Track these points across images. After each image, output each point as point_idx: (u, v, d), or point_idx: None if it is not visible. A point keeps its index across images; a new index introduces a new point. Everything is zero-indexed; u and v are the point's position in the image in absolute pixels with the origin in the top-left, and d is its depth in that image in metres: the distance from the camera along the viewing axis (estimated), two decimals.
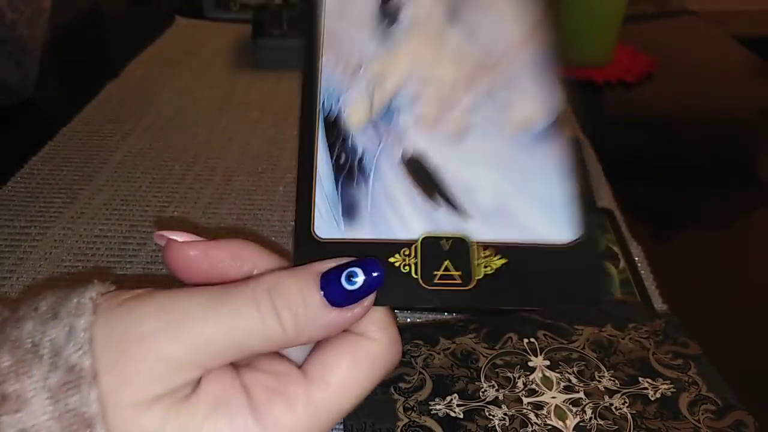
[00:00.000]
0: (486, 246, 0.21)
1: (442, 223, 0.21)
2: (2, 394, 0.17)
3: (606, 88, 0.66)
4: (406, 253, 0.21)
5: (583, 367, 0.32)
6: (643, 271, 0.40)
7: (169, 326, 0.18)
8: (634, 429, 0.29)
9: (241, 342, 0.19)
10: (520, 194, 0.21)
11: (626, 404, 0.30)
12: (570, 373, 0.31)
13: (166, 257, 0.21)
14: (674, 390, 0.30)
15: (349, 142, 0.22)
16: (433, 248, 0.21)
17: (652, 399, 0.30)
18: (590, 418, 0.29)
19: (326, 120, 0.23)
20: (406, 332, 0.33)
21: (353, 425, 0.28)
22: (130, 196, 0.46)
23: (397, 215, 0.21)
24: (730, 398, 0.30)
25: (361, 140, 0.22)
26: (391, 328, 0.20)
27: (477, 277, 0.20)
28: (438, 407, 0.29)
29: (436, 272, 0.21)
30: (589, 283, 0.21)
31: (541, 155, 0.22)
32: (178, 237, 0.21)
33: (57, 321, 0.18)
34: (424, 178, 0.22)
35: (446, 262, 0.21)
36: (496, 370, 0.31)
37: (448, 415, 0.29)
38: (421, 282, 0.20)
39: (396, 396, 0.30)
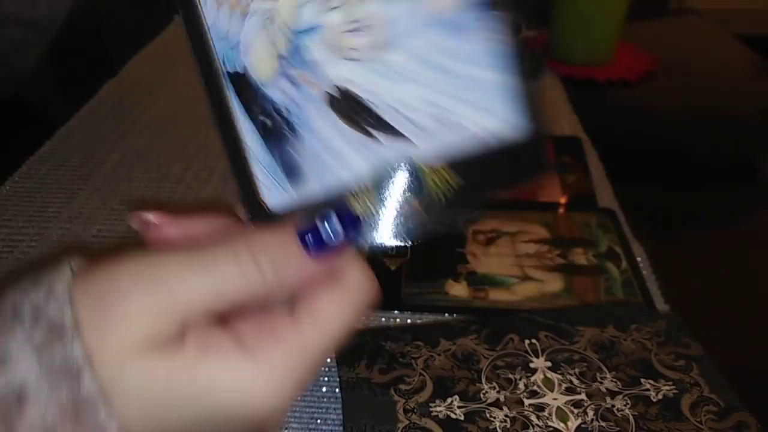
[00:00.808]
0: (434, 162, 0.20)
1: (385, 153, 0.20)
2: None
3: (608, 86, 0.66)
4: (360, 194, 0.20)
5: (584, 369, 0.31)
6: (644, 272, 0.39)
7: (146, 279, 0.18)
8: (636, 430, 0.28)
9: (221, 291, 0.19)
10: (456, 96, 0.20)
11: (628, 405, 0.29)
12: (572, 375, 0.31)
13: (147, 239, 0.21)
14: (676, 391, 0.30)
15: (267, 101, 0.21)
16: (384, 182, 0.20)
17: (654, 400, 0.30)
18: (592, 420, 0.29)
19: (233, 81, 0.21)
20: (406, 333, 0.33)
21: (353, 427, 0.28)
22: (129, 196, 0.46)
23: (339, 161, 0.20)
24: (733, 399, 0.30)
25: (278, 94, 0.20)
26: (359, 262, 0.20)
27: (434, 193, 0.20)
28: (438, 409, 0.29)
29: (394, 204, 0.20)
30: (534, 157, 0.21)
31: (470, 45, 0.20)
32: (154, 218, 0.21)
33: (36, 286, 0.18)
34: (355, 113, 0.20)
35: (401, 191, 0.20)
36: (497, 371, 0.31)
37: (448, 416, 0.29)
38: (382, 217, 0.20)
39: (396, 397, 0.30)
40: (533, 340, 0.33)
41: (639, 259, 0.40)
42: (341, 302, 0.20)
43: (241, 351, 0.19)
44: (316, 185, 0.21)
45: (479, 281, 0.38)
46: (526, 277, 0.39)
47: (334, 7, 0.20)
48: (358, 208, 0.20)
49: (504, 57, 0.20)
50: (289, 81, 0.20)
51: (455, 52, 0.20)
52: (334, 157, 0.21)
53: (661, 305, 0.37)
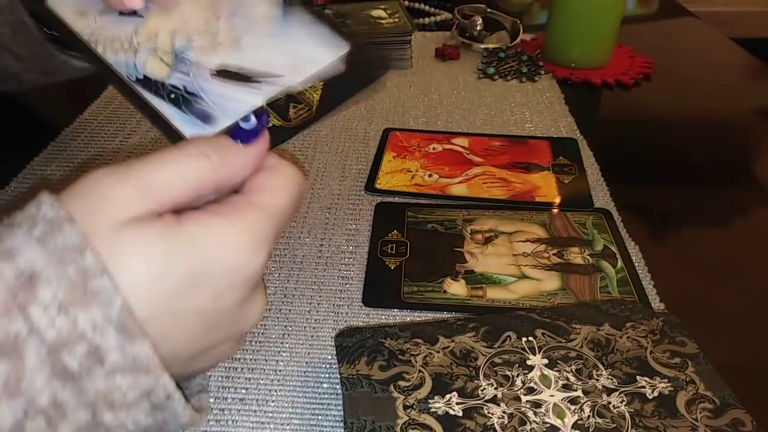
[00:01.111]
0: (305, 84, 0.30)
1: (271, 90, 0.30)
2: None
3: (604, 89, 0.66)
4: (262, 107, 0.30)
5: (581, 366, 0.32)
6: (640, 271, 0.40)
7: (119, 175, 0.22)
8: (632, 427, 0.29)
9: (182, 177, 0.22)
10: (297, 47, 0.32)
11: (624, 402, 0.30)
12: (568, 372, 0.31)
13: None
14: (672, 388, 0.31)
15: (169, 86, 0.31)
16: (277, 105, 0.30)
17: (650, 397, 0.30)
18: (588, 417, 0.29)
19: (140, 83, 0.31)
20: (405, 331, 0.34)
21: (353, 423, 0.29)
22: None
23: (239, 102, 0.30)
24: (728, 397, 0.30)
25: (176, 80, 0.31)
26: (283, 159, 0.26)
27: (315, 102, 0.31)
28: (437, 405, 0.30)
29: (290, 115, 0.30)
30: (369, 60, 0.32)
31: (292, 19, 0.33)
32: None
33: (25, 209, 0.21)
34: (237, 76, 0.31)
35: (291, 106, 0.31)
36: (495, 368, 0.32)
37: (447, 413, 0.29)
38: (284, 124, 0.30)
39: (396, 394, 0.30)
40: (530, 338, 0.33)
41: (634, 258, 0.41)
42: (282, 179, 0.24)
43: (215, 215, 0.22)
44: (226, 120, 0.29)
45: (477, 280, 0.39)
46: (523, 276, 0.39)
47: (198, 37, 0.32)
48: (261, 109, 0.29)
49: (303, 20, 0.33)
50: (181, 73, 0.31)
51: (286, 25, 0.33)
52: (234, 101, 0.30)
53: (656, 304, 0.38)
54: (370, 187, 0.48)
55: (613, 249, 0.42)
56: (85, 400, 0.20)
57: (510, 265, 0.40)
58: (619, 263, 0.40)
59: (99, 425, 0.20)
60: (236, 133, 0.24)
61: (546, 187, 0.49)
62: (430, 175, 0.50)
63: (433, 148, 0.54)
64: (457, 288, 0.38)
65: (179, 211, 0.22)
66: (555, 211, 0.46)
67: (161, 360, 0.21)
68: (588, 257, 0.41)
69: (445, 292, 0.38)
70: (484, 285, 0.39)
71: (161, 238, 0.21)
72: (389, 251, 0.41)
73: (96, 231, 0.20)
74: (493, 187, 0.49)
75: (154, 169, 0.22)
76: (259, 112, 0.25)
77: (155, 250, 0.21)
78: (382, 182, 0.49)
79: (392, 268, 0.40)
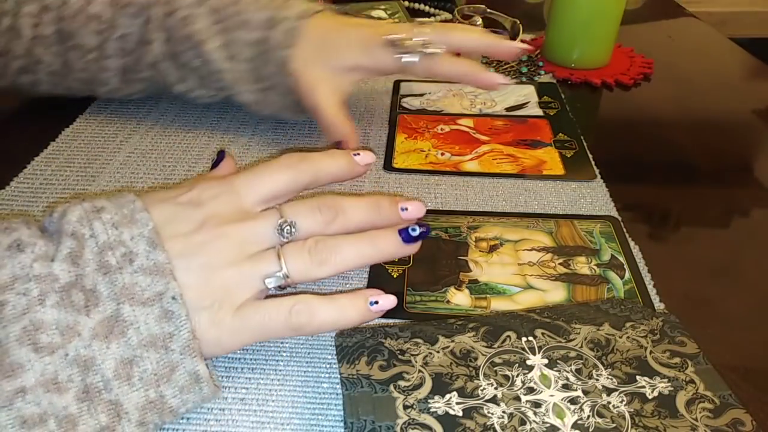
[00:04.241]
0: None
1: None
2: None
3: (603, 89, 0.66)
4: None
5: (581, 366, 0.32)
6: (644, 277, 0.40)
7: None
8: (631, 427, 0.29)
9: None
10: None
11: (624, 402, 0.30)
12: (568, 372, 0.31)
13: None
14: (672, 388, 0.31)
15: None
16: None
17: (650, 397, 0.30)
18: (588, 416, 0.29)
19: None
20: (405, 331, 0.34)
21: (353, 423, 0.29)
22: None
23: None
24: (728, 397, 0.30)
25: None
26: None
27: None
28: (437, 405, 0.30)
29: None
30: None
31: None
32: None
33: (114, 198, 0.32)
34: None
35: None
36: (495, 368, 0.32)
37: (447, 412, 0.29)
38: None
39: (396, 394, 0.30)
40: (530, 338, 0.33)
41: (640, 264, 0.40)
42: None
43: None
44: None
45: (481, 290, 0.38)
46: (528, 287, 0.39)
47: None
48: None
49: None
50: None
51: None
52: None
53: (656, 304, 0.38)
54: (388, 166, 0.50)
55: (621, 259, 0.41)
56: (114, 290, 0.27)
57: (515, 275, 0.39)
58: (627, 274, 0.40)
59: (119, 318, 0.27)
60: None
61: (551, 161, 0.51)
62: (442, 154, 0.52)
63: (441, 129, 0.56)
64: (460, 298, 0.38)
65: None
66: (562, 220, 0.46)
67: (173, 270, 0.28)
68: (595, 267, 0.40)
69: (448, 302, 0.38)
70: (488, 295, 0.38)
71: None
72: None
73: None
74: (503, 162, 0.51)
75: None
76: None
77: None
78: (399, 161, 0.51)
79: (395, 276, 0.39)
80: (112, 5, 0.49)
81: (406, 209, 0.35)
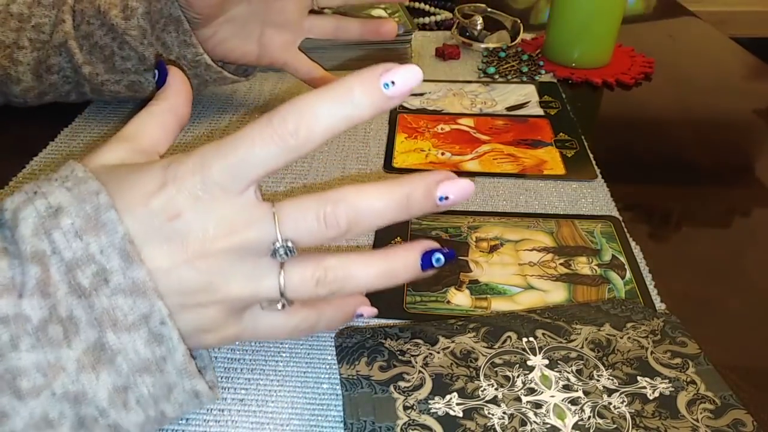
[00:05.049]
0: None
1: None
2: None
3: (604, 88, 0.66)
4: None
5: (581, 366, 0.32)
6: (645, 277, 0.39)
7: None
8: (632, 428, 0.29)
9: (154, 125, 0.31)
10: None
11: (625, 403, 0.30)
12: (569, 372, 0.31)
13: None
14: (673, 389, 0.31)
15: None
16: None
17: (651, 398, 0.30)
18: (589, 417, 0.29)
19: None
20: (405, 332, 0.34)
21: (353, 424, 0.29)
22: None
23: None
24: (729, 397, 0.30)
25: None
26: None
27: None
28: (437, 406, 0.30)
29: None
30: None
31: None
32: None
33: (60, 170, 0.27)
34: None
35: None
36: (495, 369, 0.32)
37: (447, 413, 0.29)
38: None
39: (396, 395, 0.30)
40: (531, 339, 0.33)
41: (641, 265, 0.40)
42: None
43: None
44: None
45: (482, 290, 0.38)
46: (528, 287, 0.38)
47: None
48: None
49: None
50: None
51: None
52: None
53: (657, 304, 0.37)
54: (388, 166, 0.50)
55: (622, 259, 0.41)
56: (93, 316, 0.24)
57: (515, 275, 0.39)
58: (628, 275, 0.39)
59: (104, 347, 0.24)
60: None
61: (552, 161, 0.51)
62: (443, 154, 0.52)
63: (441, 128, 0.56)
64: (461, 299, 0.38)
65: None
66: (563, 220, 0.46)
67: (157, 288, 0.24)
68: (596, 267, 0.40)
69: (448, 302, 0.37)
70: (488, 296, 0.38)
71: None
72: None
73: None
74: (504, 162, 0.51)
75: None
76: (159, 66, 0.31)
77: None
78: (399, 161, 0.51)
79: None
80: (32, 5, 0.50)
81: (446, 198, 0.27)
